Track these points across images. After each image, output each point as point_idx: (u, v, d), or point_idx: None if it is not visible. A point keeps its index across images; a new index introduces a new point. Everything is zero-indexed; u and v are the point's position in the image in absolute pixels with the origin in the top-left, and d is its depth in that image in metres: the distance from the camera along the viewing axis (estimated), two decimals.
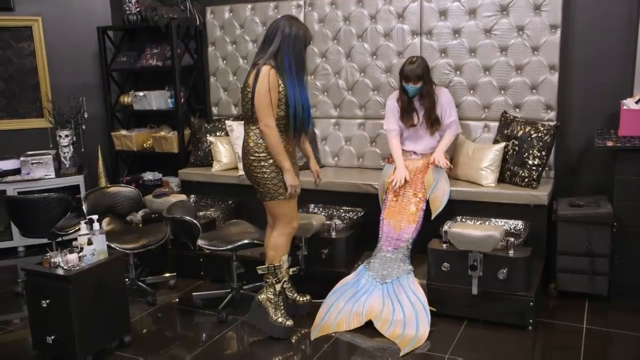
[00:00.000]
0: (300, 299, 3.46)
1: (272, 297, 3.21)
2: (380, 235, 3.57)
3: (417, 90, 3.67)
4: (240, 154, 3.32)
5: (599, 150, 3.55)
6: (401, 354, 2.98)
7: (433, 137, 3.80)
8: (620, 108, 3.51)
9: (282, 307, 3.24)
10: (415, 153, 3.84)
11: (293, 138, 3.16)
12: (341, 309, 3.32)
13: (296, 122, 3.08)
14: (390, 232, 3.54)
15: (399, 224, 3.54)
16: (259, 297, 3.24)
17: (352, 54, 4.37)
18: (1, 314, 3.73)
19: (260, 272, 3.24)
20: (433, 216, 3.55)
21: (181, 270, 4.09)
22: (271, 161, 3.08)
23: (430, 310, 3.22)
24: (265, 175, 3.09)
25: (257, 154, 3.09)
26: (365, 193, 3.94)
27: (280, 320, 3.19)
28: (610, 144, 3.39)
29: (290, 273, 3.41)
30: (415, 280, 3.35)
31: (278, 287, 3.21)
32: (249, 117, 3.12)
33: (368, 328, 3.22)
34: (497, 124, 3.93)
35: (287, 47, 3.02)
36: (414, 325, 3.15)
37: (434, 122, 3.74)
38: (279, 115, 3.05)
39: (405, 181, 3.64)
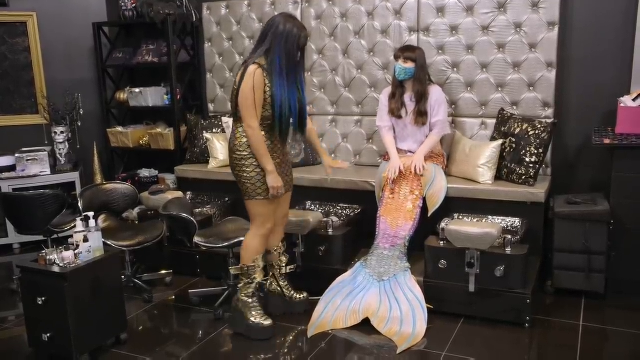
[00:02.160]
0: (297, 296, 3.45)
1: (245, 299, 3.18)
2: (377, 233, 3.56)
3: (404, 70, 3.65)
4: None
5: (596, 148, 3.56)
6: (398, 352, 2.97)
7: (422, 134, 3.78)
8: (617, 105, 3.52)
9: (258, 308, 3.20)
10: (411, 152, 3.83)
11: (280, 138, 3.11)
12: (338, 307, 3.32)
13: (282, 124, 3.03)
14: (387, 229, 3.53)
15: (395, 221, 3.54)
16: (235, 302, 3.22)
17: (349, 51, 4.36)
18: None
19: (233, 272, 3.22)
20: (430, 213, 3.55)
21: (177, 268, 4.08)
22: (252, 160, 3.04)
23: (428, 308, 3.22)
24: (246, 175, 3.07)
25: (239, 153, 3.06)
26: (362, 190, 3.93)
27: (257, 320, 3.15)
28: (607, 141, 3.39)
29: (288, 271, 3.41)
30: (412, 278, 3.35)
31: (251, 289, 3.18)
32: (235, 115, 3.10)
33: (365, 326, 3.21)
34: (494, 121, 3.92)
35: (279, 46, 2.96)
36: (411, 322, 3.15)
37: (420, 114, 3.70)
38: (264, 115, 3.01)
39: (401, 172, 3.63)
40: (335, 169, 3.48)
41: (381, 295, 3.31)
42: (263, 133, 3.03)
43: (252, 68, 2.96)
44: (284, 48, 2.97)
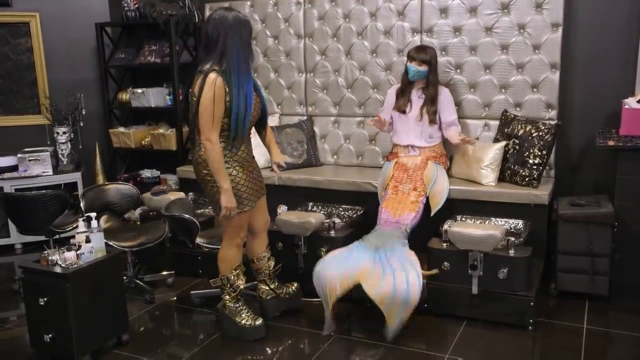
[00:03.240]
0: (290, 290, 3.42)
1: (231, 305, 3.15)
2: (378, 222, 3.52)
3: (417, 73, 3.69)
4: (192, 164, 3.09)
5: (600, 150, 3.54)
6: (390, 329, 2.97)
7: (423, 129, 3.78)
8: (621, 107, 3.50)
9: (246, 310, 3.17)
10: (413, 148, 3.82)
11: (234, 143, 2.93)
12: (332, 273, 3.14)
13: (237, 125, 2.86)
14: (389, 217, 3.48)
15: (398, 212, 3.50)
16: (222, 309, 3.19)
17: (352, 52, 4.35)
18: None
19: (214, 286, 3.20)
20: (433, 212, 3.53)
21: (179, 269, 4.07)
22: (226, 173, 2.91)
23: (432, 276, 3.19)
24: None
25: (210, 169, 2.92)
26: (364, 191, 3.92)
27: (248, 322, 3.13)
28: (611, 143, 3.37)
29: (276, 274, 3.39)
30: (411, 252, 3.20)
31: (235, 295, 3.14)
32: (198, 127, 2.89)
33: (369, 327, 3.20)
34: (497, 122, 3.91)
35: (234, 41, 2.79)
36: (404, 288, 2.98)
37: (434, 112, 3.74)
38: (227, 124, 2.88)
39: (404, 172, 3.67)
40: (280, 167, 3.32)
41: (375, 262, 3.16)
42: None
43: (212, 76, 2.77)
44: (240, 40, 2.81)
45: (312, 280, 3.21)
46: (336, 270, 3.16)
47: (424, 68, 3.68)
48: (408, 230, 3.43)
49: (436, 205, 3.54)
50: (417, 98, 3.78)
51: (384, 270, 3.10)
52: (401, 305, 2.98)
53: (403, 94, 3.82)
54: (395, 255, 3.20)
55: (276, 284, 3.40)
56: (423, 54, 3.69)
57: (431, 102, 3.74)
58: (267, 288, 3.37)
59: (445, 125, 3.80)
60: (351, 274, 3.12)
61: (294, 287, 3.45)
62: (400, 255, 3.19)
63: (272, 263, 3.37)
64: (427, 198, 3.57)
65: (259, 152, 4.26)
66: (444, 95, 3.78)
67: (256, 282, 3.49)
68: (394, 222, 3.46)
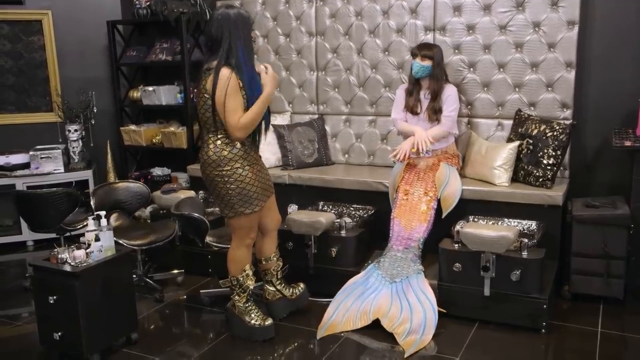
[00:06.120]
0: (296, 290, 3.40)
1: (241, 305, 3.14)
2: (390, 235, 3.52)
3: (422, 68, 3.64)
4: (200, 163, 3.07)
5: (615, 150, 3.47)
6: (406, 356, 2.93)
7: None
8: (638, 107, 3.43)
9: (256, 310, 3.16)
10: (427, 151, 3.77)
11: (254, 140, 3.00)
12: (349, 308, 3.28)
13: (259, 124, 2.93)
14: (401, 231, 3.49)
15: (409, 223, 3.49)
16: (231, 308, 3.18)
17: (364, 50, 4.31)
18: (9, 309, 3.73)
19: (224, 287, 3.19)
20: (444, 215, 3.50)
21: (189, 267, 4.07)
22: (236, 176, 2.91)
23: (440, 312, 3.17)
24: (231, 192, 2.93)
25: (220, 169, 2.90)
26: (375, 191, 3.89)
27: (257, 322, 3.12)
28: (628, 143, 3.31)
29: (282, 274, 3.37)
30: (425, 281, 3.29)
31: (244, 296, 3.13)
32: (209, 126, 2.91)
33: (376, 329, 3.17)
34: (511, 122, 3.86)
35: (236, 37, 2.80)
36: (420, 324, 3.09)
37: (434, 110, 3.68)
38: None
39: (415, 173, 3.64)
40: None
41: (392, 296, 3.26)
42: (239, 146, 2.91)
43: (225, 72, 2.78)
44: (242, 36, 2.83)
45: (330, 303, 3.33)
46: (355, 305, 3.27)
47: (427, 63, 3.63)
48: (421, 246, 3.42)
49: (448, 207, 3.51)
50: (424, 99, 3.74)
51: (401, 307, 3.20)
52: (416, 340, 3.03)
53: (411, 94, 3.77)
54: (412, 287, 3.26)
55: (283, 285, 3.38)
56: (426, 49, 3.65)
57: (434, 98, 3.69)
58: (274, 289, 3.35)
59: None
60: (369, 311, 3.22)
61: (300, 288, 3.43)
62: (416, 287, 3.26)
63: (280, 264, 3.35)
64: (439, 200, 3.53)
65: (270, 151, 4.29)
66: (446, 93, 3.70)
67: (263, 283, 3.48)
68: (406, 239, 3.45)
